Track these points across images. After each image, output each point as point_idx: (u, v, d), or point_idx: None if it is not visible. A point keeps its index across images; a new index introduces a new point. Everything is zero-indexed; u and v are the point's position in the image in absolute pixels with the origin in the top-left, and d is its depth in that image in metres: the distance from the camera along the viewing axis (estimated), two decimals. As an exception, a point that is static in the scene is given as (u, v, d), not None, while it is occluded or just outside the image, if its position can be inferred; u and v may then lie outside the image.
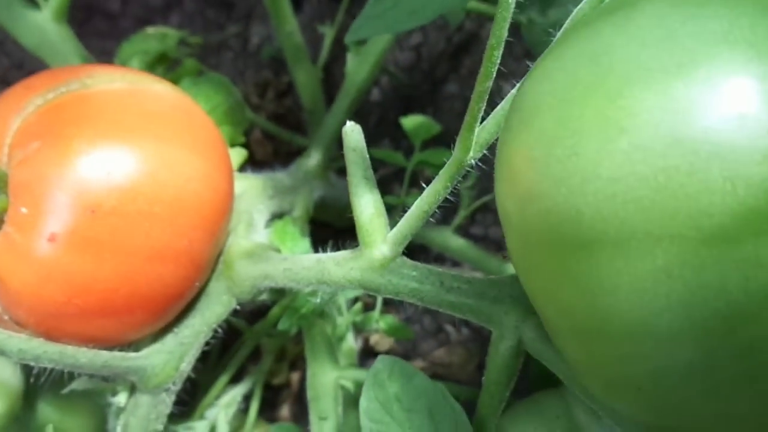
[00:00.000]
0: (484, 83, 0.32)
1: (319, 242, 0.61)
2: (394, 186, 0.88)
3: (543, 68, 0.27)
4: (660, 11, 0.24)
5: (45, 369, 0.40)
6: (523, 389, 0.59)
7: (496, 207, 0.90)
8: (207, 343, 0.47)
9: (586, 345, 0.25)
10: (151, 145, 0.38)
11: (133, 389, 0.44)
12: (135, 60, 0.55)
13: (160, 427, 0.45)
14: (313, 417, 0.52)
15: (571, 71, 0.25)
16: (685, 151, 0.22)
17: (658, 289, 0.22)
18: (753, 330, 0.22)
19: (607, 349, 0.24)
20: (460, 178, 0.46)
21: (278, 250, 0.48)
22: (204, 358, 0.75)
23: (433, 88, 0.85)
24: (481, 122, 0.38)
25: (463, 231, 0.81)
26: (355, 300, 0.65)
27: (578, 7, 0.34)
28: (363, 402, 0.40)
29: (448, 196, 0.44)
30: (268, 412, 0.81)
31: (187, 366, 0.45)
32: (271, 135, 0.87)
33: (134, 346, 0.44)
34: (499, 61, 0.34)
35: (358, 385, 0.54)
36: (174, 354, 0.43)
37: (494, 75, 0.33)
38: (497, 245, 0.82)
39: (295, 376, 0.83)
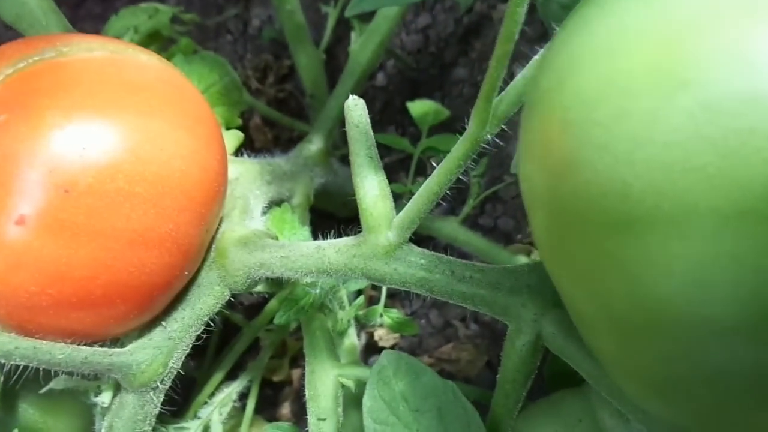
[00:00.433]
0: (506, 45, 0.28)
1: (320, 232, 0.57)
2: (400, 174, 0.84)
3: (579, 18, 0.23)
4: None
5: (19, 367, 0.36)
6: (536, 389, 0.56)
7: (505, 197, 0.86)
8: (199, 338, 0.43)
9: (627, 341, 0.22)
10: (133, 118, 0.34)
11: (117, 388, 0.41)
12: (125, 37, 0.51)
13: (148, 428, 0.42)
14: (311, 417, 0.49)
15: (617, 17, 0.21)
16: (765, 109, 0.18)
17: (723, 277, 0.18)
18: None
19: (653, 346, 0.21)
20: (471, 163, 0.43)
21: (275, 238, 0.44)
22: (201, 354, 0.72)
23: (441, 72, 0.82)
24: (498, 93, 0.34)
25: (471, 222, 0.78)
26: (359, 293, 0.62)
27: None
28: (366, 401, 0.37)
29: (457, 185, 0.41)
30: (268, 410, 0.78)
31: (176, 362, 0.41)
32: (272, 121, 0.83)
33: (120, 341, 0.40)
34: (521, 24, 0.31)
35: (360, 384, 0.51)
36: (162, 350, 0.40)
37: (516, 37, 0.29)
38: (507, 237, 0.78)
39: (296, 373, 0.80)
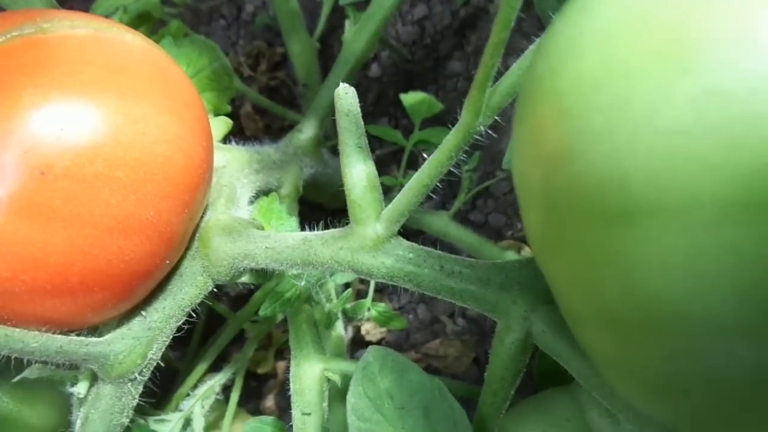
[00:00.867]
0: (501, 33, 0.27)
1: (308, 224, 0.56)
2: (392, 167, 0.83)
3: (577, 1, 0.22)
4: None
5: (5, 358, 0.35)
6: (525, 387, 0.55)
7: (496, 193, 0.85)
8: (180, 329, 0.42)
9: (622, 338, 0.21)
10: (115, 100, 0.33)
11: (94, 378, 0.39)
12: (114, 17, 0.50)
13: (126, 420, 0.41)
14: (296, 411, 0.48)
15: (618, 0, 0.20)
16: (775, 94, 0.17)
17: (727, 272, 0.17)
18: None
19: (650, 344, 0.20)
20: (463, 157, 0.41)
21: (261, 228, 0.43)
22: (184, 345, 0.71)
23: (435, 64, 0.81)
24: (493, 84, 0.33)
25: (461, 217, 0.77)
26: (346, 286, 0.61)
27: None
28: (351, 397, 0.36)
29: (448, 179, 0.39)
30: (252, 402, 0.77)
31: (155, 353, 0.40)
32: (263, 109, 0.82)
33: (98, 330, 0.39)
34: (517, 11, 0.30)
35: (346, 378, 0.50)
36: (141, 340, 0.39)
37: (512, 25, 0.28)
38: (497, 233, 0.77)
39: (281, 366, 0.79)
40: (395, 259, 0.36)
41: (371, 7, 0.61)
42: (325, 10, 0.75)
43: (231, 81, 0.59)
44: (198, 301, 0.42)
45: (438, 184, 0.76)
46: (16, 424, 0.47)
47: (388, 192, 0.81)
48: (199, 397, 0.54)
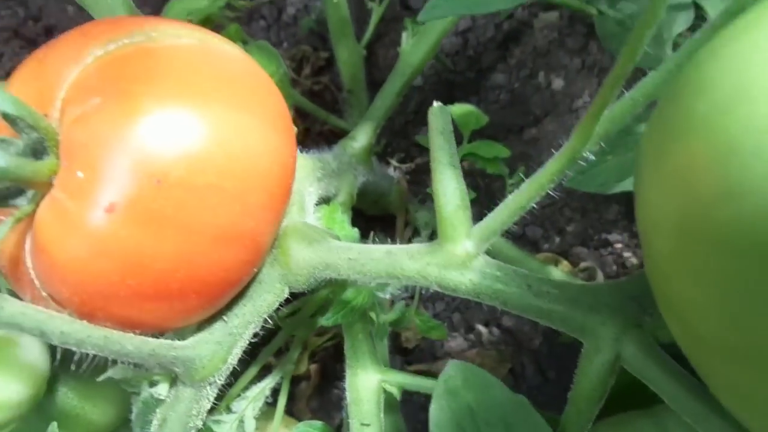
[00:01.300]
0: (626, 65, 0.28)
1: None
2: (429, 176, 0.84)
3: (742, 35, 0.23)
4: None
5: (72, 352, 0.35)
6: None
7: (535, 205, 0.86)
8: (255, 335, 0.42)
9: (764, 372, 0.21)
10: (224, 111, 0.33)
11: (174, 381, 0.40)
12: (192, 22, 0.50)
13: (200, 423, 0.41)
14: (353, 421, 0.48)
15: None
16: None
17: None
18: None
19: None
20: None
21: (336, 237, 0.44)
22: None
23: (478, 76, 0.81)
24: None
25: (499, 228, 0.78)
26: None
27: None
28: (433, 412, 0.37)
29: (487, 189, 0.39)
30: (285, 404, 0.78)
31: (233, 358, 0.40)
32: (304, 113, 0.82)
33: (180, 333, 0.40)
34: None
35: (403, 390, 0.51)
36: (222, 345, 0.39)
37: (637, 58, 0.29)
38: (534, 245, 0.78)
39: (313, 368, 0.79)
40: (482, 277, 0.37)
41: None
42: (374, 18, 0.76)
43: (290, 89, 0.60)
44: (275, 307, 0.42)
45: (476, 193, 0.76)
46: (79, 421, 0.48)
47: (425, 200, 0.82)
48: (251, 399, 0.54)
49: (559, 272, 0.72)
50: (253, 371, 0.57)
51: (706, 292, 0.23)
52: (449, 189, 0.37)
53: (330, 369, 0.82)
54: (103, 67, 0.33)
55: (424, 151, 0.83)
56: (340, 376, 0.82)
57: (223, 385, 0.47)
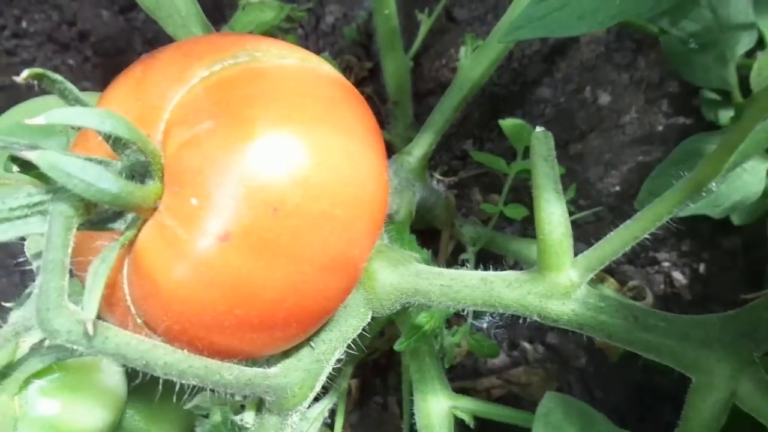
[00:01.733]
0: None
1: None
2: (473, 190, 0.83)
3: None
4: None
5: (139, 374, 0.34)
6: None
7: (579, 221, 0.84)
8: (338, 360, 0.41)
9: None
10: (332, 134, 0.32)
11: (259, 408, 0.39)
12: (254, 33, 0.49)
13: (281, 450, 0.40)
14: (425, 446, 0.47)
15: None
16: None
17: None
18: None
19: None
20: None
21: (420, 261, 0.43)
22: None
23: (522, 89, 0.81)
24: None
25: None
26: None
27: None
28: (534, 445, 0.36)
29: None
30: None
31: (320, 385, 0.39)
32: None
33: (267, 361, 0.38)
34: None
35: (473, 416, 0.50)
36: (311, 372, 0.38)
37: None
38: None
39: (353, 383, 0.78)
40: (586, 308, 0.36)
41: (492, 35, 0.61)
42: (423, 30, 0.75)
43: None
44: (358, 332, 0.41)
45: (525, 209, 0.75)
46: (144, 443, 0.46)
47: (468, 214, 0.81)
48: (312, 420, 0.53)
49: (607, 290, 0.71)
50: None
51: None
52: (554, 217, 0.36)
53: (369, 384, 0.81)
54: (211, 89, 0.32)
55: (468, 164, 0.82)
56: (379, 391, 0.82)
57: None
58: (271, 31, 0.61)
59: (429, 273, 0.40)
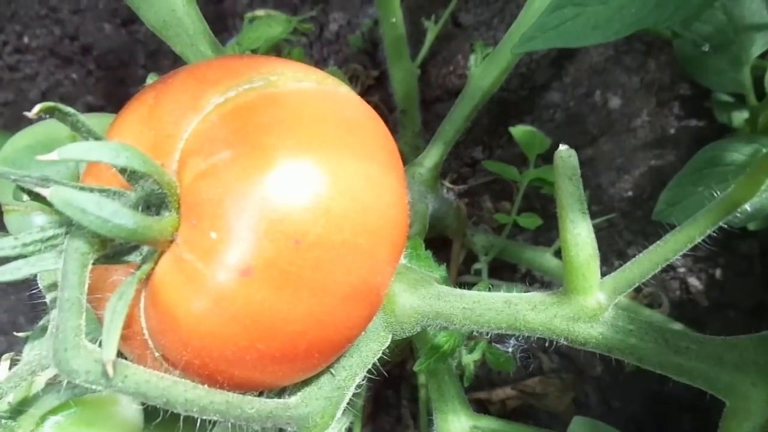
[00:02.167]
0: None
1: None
2: (483, 197, 0.82)
3: None
4: None
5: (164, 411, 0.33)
6: None
7: (596, 229, 0.83)
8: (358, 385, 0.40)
9: None
10: (353, 160, 0.31)
11: (279, 438, 0.38)
12: (262, 48, 0.48)
13: (304, 479, 0.39)
14: (447, 466, 0.46)
15: None
16: None
17: None
18: None
19: None
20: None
21: (441, 282, 0.42)
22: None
23: (531, 94, 0.80)
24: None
25: (556, 251, 0.76)
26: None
27: None
28: (564, 472, 0.35)
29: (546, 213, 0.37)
30: (337, 433, 0.75)
31: (340, 413, 0.38)
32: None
33: (288, 390, 0.38)
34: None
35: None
36: (331, 400, 0.37)
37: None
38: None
39: (366, 397, 0.77)
40: (615, 331, 0.35)
41: (503, 43, 0.60)
42: (430, 37, 0.74)
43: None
44: (378, 356, 0.40)
45: (541, 217, 0.74)
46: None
47: (478, 223, 0.80)
48: (329, 440, 0.52)
49: (622, 299, 0.70)
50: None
51: None
52: (580, 238, 0.35)
53: (382, 396, 0.80)
54: (226, 117, 0.31)
55: (477, 172, 0.81)
56: (392, 404, 0.81)
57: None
58: (278, 44, 0.60)
59: (450, 295, 0.39)
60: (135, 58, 0.84)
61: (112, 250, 0.31)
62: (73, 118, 0.29)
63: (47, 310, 0.39)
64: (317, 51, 0.87)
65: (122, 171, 0.30)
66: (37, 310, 0.44)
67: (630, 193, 0.75)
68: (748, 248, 0.71)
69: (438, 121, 0.69)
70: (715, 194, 0.54)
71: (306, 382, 0.38)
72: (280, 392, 0.38)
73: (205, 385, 0.32)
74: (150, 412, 0.42)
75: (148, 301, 0.32)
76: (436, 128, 0.68)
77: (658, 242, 0.35)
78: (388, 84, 0.79)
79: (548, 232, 0.76)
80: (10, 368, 0.36)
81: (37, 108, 0.28)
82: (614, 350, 0.35)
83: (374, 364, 0.43)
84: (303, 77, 0.34)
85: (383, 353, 0.42)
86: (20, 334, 0.41)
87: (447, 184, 0.78)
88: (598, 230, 0.83)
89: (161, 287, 0.31)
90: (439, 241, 0.77)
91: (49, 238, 0.31)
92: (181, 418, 0.33)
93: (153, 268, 0.31)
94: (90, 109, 0.83)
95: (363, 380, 0.41)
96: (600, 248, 0.83)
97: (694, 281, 0.72)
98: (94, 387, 0.29)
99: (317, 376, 0.38)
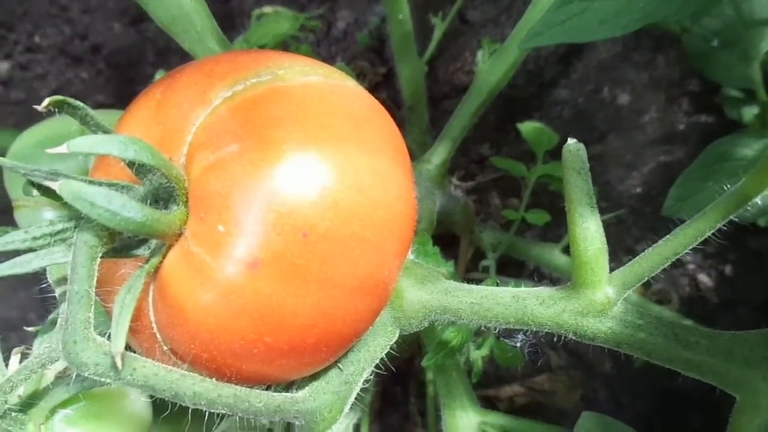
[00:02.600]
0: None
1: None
2: (491, 194, 0.82)
3: None
4: None
5: (172, 404, 0.33)
6: None
7: (605, 226, 0.83)
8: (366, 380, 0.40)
9: None
10: (361, 153, 0.31)
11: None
12: (269, 44, 0.48)
13: (311, 474, 0.39)
14: (455, 462, 0.46)
15: None
16: None
17: None
18: None
19: None
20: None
21: (447, 277, 0.42)
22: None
23: (539, 91, 0.79)
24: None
25: (564, 247, 0.76)
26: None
27: None
28: (572, 467, 0.35)
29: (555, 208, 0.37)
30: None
31: (348, 407, 0.38)
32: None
33: (295, 384, 0.38)
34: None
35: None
36: (339, 394, 0.37)
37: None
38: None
39: (374, 392, 0.77)
40: (623, 325, 0.35)
41: (510, 39, 0.60)
42: (437, 34, 0.74)
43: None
44: (386, 351, 0.40)
45: (549, 214, 0.74)
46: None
47: (486, 219, 0.80)
48: (337, 436, 0.52)
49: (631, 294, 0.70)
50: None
51: None
52: (589, 232, 0.35)
53: (390, 392, 0.80)
54: (234, 110, 0.31)
55: (485, 168, 0.81)
56: (400, 400, 0.81)
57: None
58: (285, 41, 0.60)
59: (458, 290, 0.39)
60: (144, 57, 0.84)
61: (120, 244, 0.31)
62: (82, 112, 0.29)
63: (57, 305, 0.39)
64: (325, 49, 0.87)
65: (131, 164, 0.30)
66: (48, 306, 0.44)
67: (639, 190, 0.75)
68: (758, 245, 0.70)
69: (445, 117, 0.69)
70: (725, 189, 0.54)
71: (314, 377, 0.38)
72: (288, 386, 0.38)
73: (213, 379, 0.32)
74: (158, 406, 0.43)
75: (156, 295, 0.32)
76: (443, 125, 0.68)
77: (667, 236, 0.35)
78: (395, 81, 0.79)
79: (556, 229, 0.76)
80: (20, 361, 0.36)
81: (46, 102, 0.28)
82: (623, 345, 0.35)
83: (382, 359, 0.43)
84: (310, 71, 0.34)
85: (391, 348, 0.42)
86: (30, 329, 0.42)
87: (455, 180, 0.78)
88: (606, 227, 0.83)
89: (169, 280, 0.31)
90: (446, 238, 0.77)
91: (58, 232, 0.31)
92: (189, 411, 0.33)
93: (161, 262, 0.32)
94: (100, 107, 0.84)
95: (371, 375, 0.41)
96: (609, 245, 0.83)
97: (703, 278, 0.72)
98: (103, 380, 0.29)
99: (325, 370, 0.38)
